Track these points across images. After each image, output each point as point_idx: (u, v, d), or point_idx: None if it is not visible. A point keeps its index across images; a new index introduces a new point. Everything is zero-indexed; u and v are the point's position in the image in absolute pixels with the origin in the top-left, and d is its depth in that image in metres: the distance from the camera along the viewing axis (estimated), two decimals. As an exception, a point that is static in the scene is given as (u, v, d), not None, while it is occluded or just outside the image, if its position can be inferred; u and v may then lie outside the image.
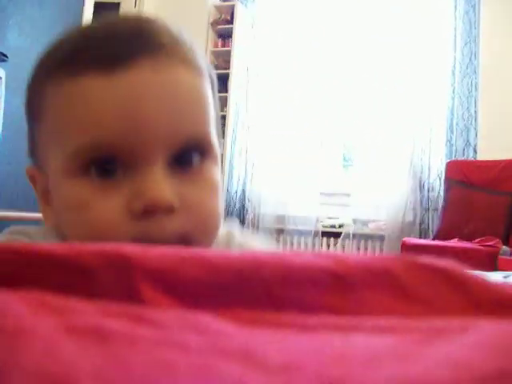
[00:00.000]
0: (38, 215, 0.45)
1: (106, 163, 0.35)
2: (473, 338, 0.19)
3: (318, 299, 0.22)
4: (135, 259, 0.22)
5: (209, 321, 0.19)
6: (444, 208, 3.12)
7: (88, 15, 2.77)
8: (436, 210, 3.33)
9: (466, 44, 3.40)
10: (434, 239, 2.97)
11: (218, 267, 0.22)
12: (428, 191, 3.40)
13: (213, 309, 0.21)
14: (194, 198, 0.36)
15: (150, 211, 0.34)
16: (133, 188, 0.35)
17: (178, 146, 0.36)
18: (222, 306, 0.21)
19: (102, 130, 0.34)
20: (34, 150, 0.41)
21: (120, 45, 0.35)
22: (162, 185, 0.34)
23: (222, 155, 3.79)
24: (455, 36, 3.43)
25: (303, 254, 0.26)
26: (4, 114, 2.22)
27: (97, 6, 2.88)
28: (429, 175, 3.42)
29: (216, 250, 0.40)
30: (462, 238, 2.78)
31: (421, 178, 3.42)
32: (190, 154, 0.37)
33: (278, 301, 0.22)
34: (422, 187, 3.42)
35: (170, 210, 0.34)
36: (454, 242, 2.73)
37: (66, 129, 0.35)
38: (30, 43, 2.44)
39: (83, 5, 2.75)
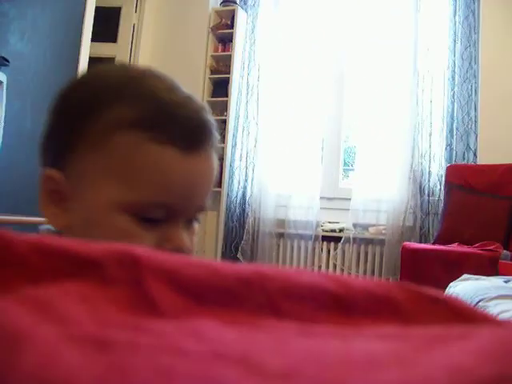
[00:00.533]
0: (38, 219, 0.46)
1: (156, 213, 0.48)
2: (472, 344, 0.19)
3: (317, 315, 0.23)
4: (143, 257, 0.23)
5: (208, 327, 0.19)
6: (444, 212, 3.12)
7: (89, 20, 2.78)
8: (436, 214, 3.32)
9: (465, 49, 3.41)
10: (434, 243, 2.97)
11: (223, 273, 0.23)
12: (428, 195, 3.40)
13: (214, 310, 0.21)
14: (190, 244, 0.51)
15: (175, 252, 0.47)
16: (165, 234, 0.48)
17: (198, 213, 0.52)
18: (224, 309, 0.21)
19: (168, 196, 0.47)
20: (62, 155, 0.49)
21: (197, 133, 0.49)
22: (185, 236, 0.49)
23: (223, 159, 3.79)
24: (455, 41, 3.44)
25: (309, 273, 0.26)
26: (5, 118, 2.22)
27: (98, 11, 2.89)
28: (429, 179, 3.42)
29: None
30: (463, 242, 2.77)
31: (421, 182, 3.42)
32: (197, 216, 0.52)
33: (279, 310, 0.22)
34: (422, 191, 3.41)
35: (184, 251, 0.49)
36: (454, 247, 2.72)
37: (139, 180, 0.47)
38: (31, 48, 2.45)
39: (84, 10, 2.76)
